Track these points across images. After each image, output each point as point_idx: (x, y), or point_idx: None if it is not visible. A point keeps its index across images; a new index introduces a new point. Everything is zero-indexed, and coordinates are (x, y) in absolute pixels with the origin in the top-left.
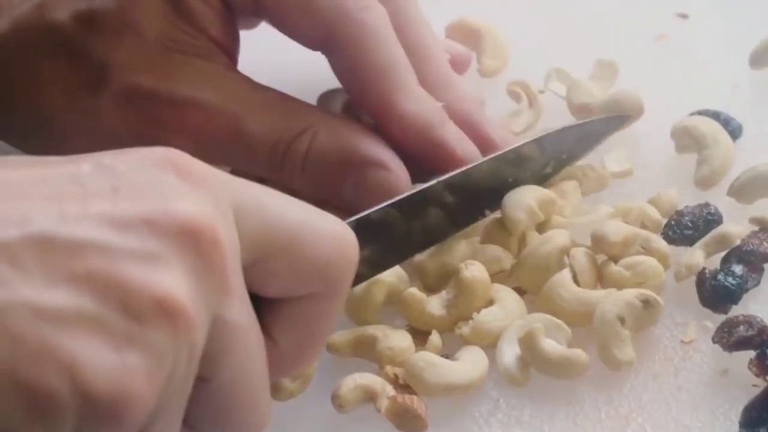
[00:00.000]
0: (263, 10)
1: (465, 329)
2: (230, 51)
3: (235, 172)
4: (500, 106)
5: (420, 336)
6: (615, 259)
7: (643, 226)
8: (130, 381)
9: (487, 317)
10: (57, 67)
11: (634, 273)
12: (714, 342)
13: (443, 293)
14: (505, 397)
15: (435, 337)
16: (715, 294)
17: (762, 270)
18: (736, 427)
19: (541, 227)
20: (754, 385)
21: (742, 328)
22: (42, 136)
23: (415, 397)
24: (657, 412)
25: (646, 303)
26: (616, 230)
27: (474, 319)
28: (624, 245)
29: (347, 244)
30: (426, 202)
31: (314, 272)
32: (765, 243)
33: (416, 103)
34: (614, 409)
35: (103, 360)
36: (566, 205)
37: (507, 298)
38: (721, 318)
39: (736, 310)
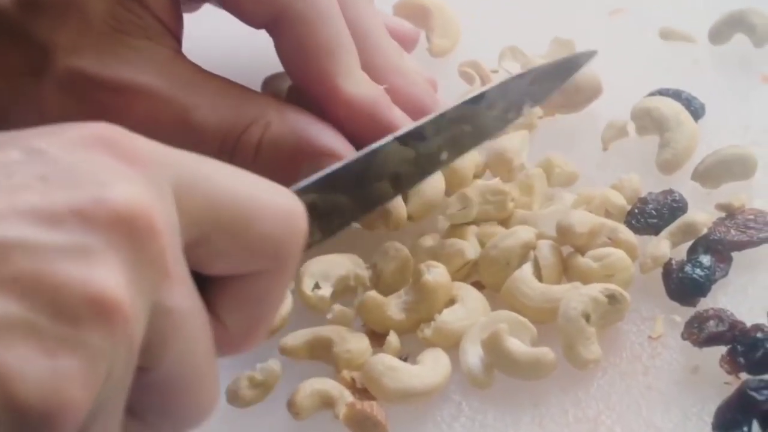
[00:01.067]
0: None
1: (427, 331)
2: (175, 32)
3: None
4: (452, 87)
5: (377, 337)
6: (581, 251)
7: (607, 213)
8: (64, 387)
9: (449, 317)
10: None
11: (602, 265)
12: (683, 338)
13: (402, 293)
14: (468, 400)
15: (393, 338)
16: (683, 287)
17: (730, 259)
18: (709, 427)
19: (506, 221)
20: (726, 383)
21: (712, 323)
22: None
23: (374, 403)
24: (626, 413)
25: (612, 298)
26: (582, 220)
27: (436, 320)
28: (590, 236)
29: (296, 219)
30: (381, 159)
31: (262, 250)
32: (732, 231)
33: (360, 86)
34: (582, 410)
35: (34, 367)
36: (533, 201)
37: (468, 296)
38: (689, 311)
39: (705, 302)
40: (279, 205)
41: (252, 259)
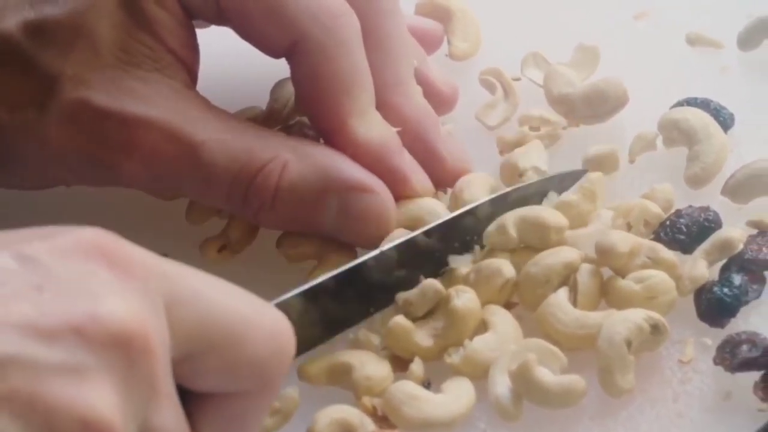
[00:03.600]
0: (226, 16)
1: (455, 357)
2: (189, 64)
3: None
4: (473, 93)
5: (400, 361)
6: (620, 272)
7: (646, 224)
8: None
9: (480, 345)
10: (2, 80)
11: (644, 287)
12: (715, 363)
13: (429, 319)
14: (493, 428)
15: (417, 366)
16: (710, 307)
17: (764, 280)
18: None
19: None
20: (761, 410)
21: (745, 347)
22: None
23: (396, 431)
24: None
25: (655, 328)
26: (624, 240)
27: (466, 347)
28: (630, 255)
29: (285, 341)
30: (368, 270)
31: (249, 372)
32: (764, 249)
33: (371, 128)
34: None
35: None
36: (598, 206)
37: (502, 322)
38: (721, 334)
39: (737, 325)
40: (269, 326)
41: (238, 379)
